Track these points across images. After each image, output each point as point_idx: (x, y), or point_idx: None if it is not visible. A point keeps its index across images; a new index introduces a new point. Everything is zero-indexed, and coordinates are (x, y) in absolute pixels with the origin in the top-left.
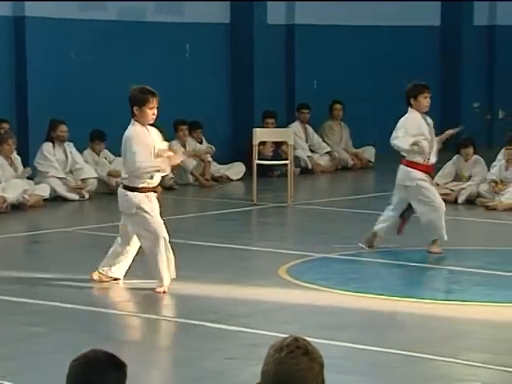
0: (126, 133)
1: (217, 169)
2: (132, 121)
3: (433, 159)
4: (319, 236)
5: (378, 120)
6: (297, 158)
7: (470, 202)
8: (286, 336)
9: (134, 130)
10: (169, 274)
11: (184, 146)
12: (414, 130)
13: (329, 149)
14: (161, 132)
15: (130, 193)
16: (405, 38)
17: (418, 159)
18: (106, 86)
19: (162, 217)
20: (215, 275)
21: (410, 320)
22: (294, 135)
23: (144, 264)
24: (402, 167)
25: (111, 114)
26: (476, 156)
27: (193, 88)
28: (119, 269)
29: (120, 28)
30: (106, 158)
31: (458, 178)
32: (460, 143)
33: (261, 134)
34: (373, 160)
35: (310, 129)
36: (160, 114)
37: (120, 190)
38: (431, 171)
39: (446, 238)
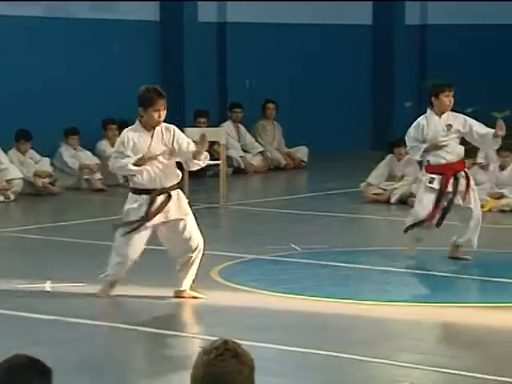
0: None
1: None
2: (136, 121)
3: (449, 157)
4: (252, 237)
5: (310, 119)
6: (229, 158)
7: (403, 201)
8: (215, 339)
9: (126, 132)
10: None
11: (113, 146)
12: (418, 135)
13: (261, 149)
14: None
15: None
16: (337, 37)
17: (429, 159)
18: (32, 84)
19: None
20: (145, 279)
21: (341, 321)
22: (226, 135)
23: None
24: None
25: (37, 113)
26: (408, 155)
27: (122, 86)
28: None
29: (46, 25)
30: (31, 158)
31: (391, 177)
32: (392, 143)
33: (192, 134)
34: (306, 160)
35: (242, 128)
36: (89, 112)
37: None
38: (444, 171)
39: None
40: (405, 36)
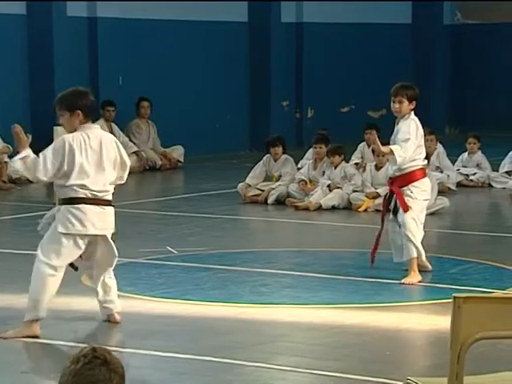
0: None
1: (14, 170)
2: None
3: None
4: (126, 240)
5: (187, 118)
6: None
7: (280, 202)
8: (84, 346)
9: None
10: None
11: None
12: None
13: (136, 148)
14: None
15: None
16: (212, 34)
17: None
18: None
19: None
20: (16, 284)
21: (220, 325)
22: None
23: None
24: None
25: None
26: (285, 155)
27: None
28: None
29: None
30: None
31: (268, 178)
32: (269, 142)
33: (62, 133)
34: (182, 160)
35: (115, 127)
36: None
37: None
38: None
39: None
40: (281, 34)
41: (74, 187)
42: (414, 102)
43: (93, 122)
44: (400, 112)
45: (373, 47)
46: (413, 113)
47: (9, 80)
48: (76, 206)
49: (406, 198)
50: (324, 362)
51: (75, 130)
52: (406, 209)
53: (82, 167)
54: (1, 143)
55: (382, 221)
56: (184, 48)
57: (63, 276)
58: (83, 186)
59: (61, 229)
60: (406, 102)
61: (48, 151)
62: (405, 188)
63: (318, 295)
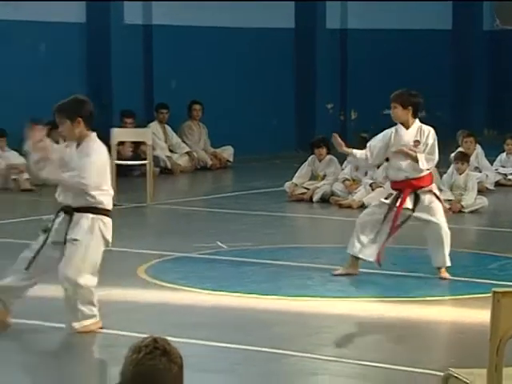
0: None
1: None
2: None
3: None
4: (179, 235)
5: (236, 120)
6: (156, 158)
7: (325, 200)
8: (144, 336)
9: None
10: None
11: None
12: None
13: (188, 149)
14: None
15: None
16: (260, 40)
17: None
18: None
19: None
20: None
21: (268, 317)
22: (153, 135)
23: None
24: None
25: None
26: (330, 156)
27: (49, 87)
28: None
29: None
30: None
31: (313, 177)
32: (314, 143)
33: (119, 134)
34: (231, 160)
35: (168, 129)
36: (15, 113)
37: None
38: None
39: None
40: (326, 39)
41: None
42: (411, 108)
43: (93, 131)
44: (395, 118)
45: (414, 52)
46: (417, 120)
47: (69, 85)
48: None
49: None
50: (366, 353)
51: (78, 138)
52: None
53: None
54: (63, 144)
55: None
56: (233, 53)
57: (120, 269)
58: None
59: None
60: (399, 108)
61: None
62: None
63: (360, 289)
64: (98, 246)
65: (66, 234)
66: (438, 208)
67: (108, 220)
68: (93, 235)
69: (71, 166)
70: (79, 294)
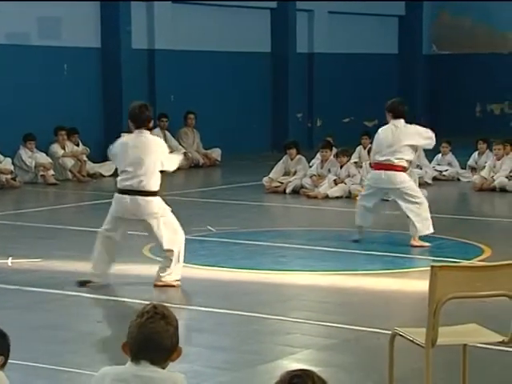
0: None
1: (91, 167)
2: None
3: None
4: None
5: (223, 127)
6: None
7: (296, 192)
8: (147, 303)
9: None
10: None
11: (63, 148)
12: None
13: (184, 150)
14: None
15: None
16: (242, 62)
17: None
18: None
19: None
20: (90, 255)
21: (248, 287)
22: None
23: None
24: (391, 172)
25: (0, 122)
26: (299, 156)
27: (71, 100)
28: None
29: (7, 51)
30: None
31: (286, 173)
32: (286, 145)
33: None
34: (219, 159)
35: (168, 134)
36: (42, 121)
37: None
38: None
39: (431, 230)
40: (296, 62)
41: None
42: (388, 112)
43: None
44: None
45: (367, 72)
46: (391, 121)
47: (87, 101)
48: None
49: None
50: (330, 316)
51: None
52: None
53: None
54: (81, 146)
55: None
56: (221, 72)
57: (129, 248)
58: None
59: None
60: (387, 113)
61: None
62: None
63: (325, 264)
64: None
65: None
66: None
67: None
68: None
69: None
70: None
